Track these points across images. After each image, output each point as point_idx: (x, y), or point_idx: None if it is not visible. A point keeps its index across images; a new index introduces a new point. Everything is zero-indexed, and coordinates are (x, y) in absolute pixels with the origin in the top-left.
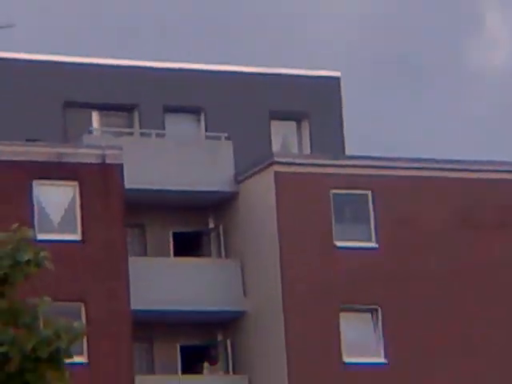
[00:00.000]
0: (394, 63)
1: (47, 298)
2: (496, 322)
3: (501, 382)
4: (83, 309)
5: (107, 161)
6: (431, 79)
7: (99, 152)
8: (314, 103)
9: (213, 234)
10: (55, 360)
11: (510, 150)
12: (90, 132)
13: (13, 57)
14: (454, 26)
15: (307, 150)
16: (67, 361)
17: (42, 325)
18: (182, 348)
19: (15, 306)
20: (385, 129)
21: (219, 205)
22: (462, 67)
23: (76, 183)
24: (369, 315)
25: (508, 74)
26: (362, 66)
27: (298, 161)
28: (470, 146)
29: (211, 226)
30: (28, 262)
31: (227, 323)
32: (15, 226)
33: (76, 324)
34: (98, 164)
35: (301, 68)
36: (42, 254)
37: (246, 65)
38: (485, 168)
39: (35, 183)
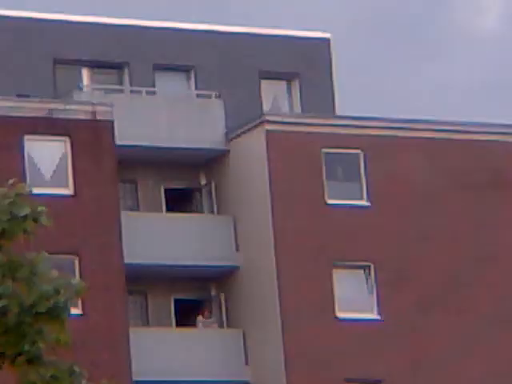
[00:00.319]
0: (383, 24)
1: (45, 253)
2: (489, 281)
3: (492, 339)
4: (77, 262)
5: (98, 117)
6: (421, 40)
7: (90, 108)
8: (305, 64)
9: (204, 191)
10: (53, 314)
11: (500, 113)
12: (80, 88)
13: (2, 14)
14: None
15: (297, 110)
16: (64, 315)
17: (38, 279)
18: (176, 301)
19: (13, 259)
20: (375, 89)
21: (210, 162)
22: (451, 28)
23: (67, 139)
24: (361, 272)
25: (497, 37)
26: (352, 27)
27: (289, 120)
28: (460, 108)
29: (203, 182)
30: (25, 217)
31: (220, 278)
32: (11, 181)
33: (74, 281)
34: (89, 120)
35: (291, 29)
36: (40, 209)
37: (237, 25)
38: (477, 130)
39: (26, 138)
